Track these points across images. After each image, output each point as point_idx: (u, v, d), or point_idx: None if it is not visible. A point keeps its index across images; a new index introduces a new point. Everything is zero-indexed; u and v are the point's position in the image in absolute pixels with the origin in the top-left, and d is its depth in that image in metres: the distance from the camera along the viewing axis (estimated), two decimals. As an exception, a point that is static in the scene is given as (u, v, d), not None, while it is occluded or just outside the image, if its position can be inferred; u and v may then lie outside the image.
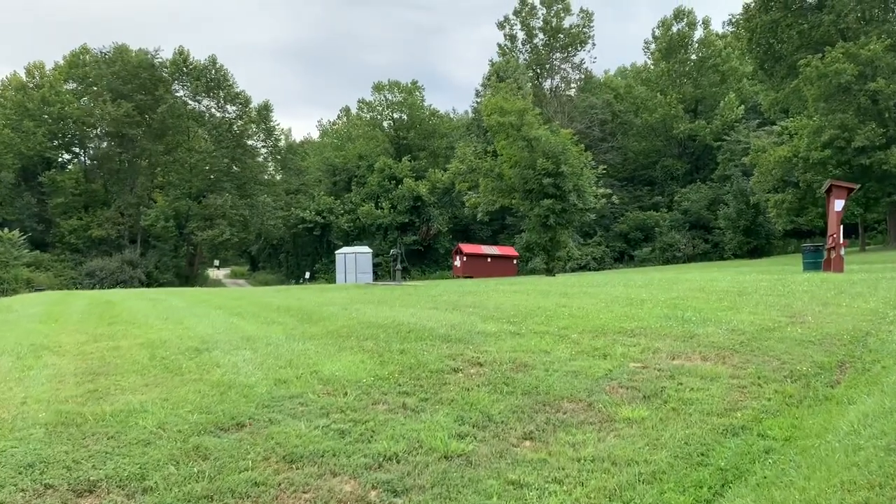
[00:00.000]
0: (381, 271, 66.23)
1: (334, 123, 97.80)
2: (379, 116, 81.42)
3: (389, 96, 79.74)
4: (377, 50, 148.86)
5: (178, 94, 69.14)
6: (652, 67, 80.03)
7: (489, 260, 56.69)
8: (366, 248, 45.19)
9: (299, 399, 6.35)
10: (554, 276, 32.14)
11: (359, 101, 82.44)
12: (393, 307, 13.41)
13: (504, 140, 32.51)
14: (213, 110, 70.00)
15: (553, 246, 32.38)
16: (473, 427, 5.85)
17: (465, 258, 57.97)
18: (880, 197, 41.17)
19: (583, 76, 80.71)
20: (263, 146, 74.57)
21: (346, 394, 6.59)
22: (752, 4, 46.48)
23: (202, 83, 67.85)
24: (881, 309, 11.47)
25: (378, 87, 79.11)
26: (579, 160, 32.15)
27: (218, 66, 68.40)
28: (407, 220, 69.29)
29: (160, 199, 67.48)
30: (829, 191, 20.16)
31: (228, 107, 70.05)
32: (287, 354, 8.35)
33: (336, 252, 45.61)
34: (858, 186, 22.30)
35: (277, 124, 73.19)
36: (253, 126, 71.88)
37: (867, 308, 11.58)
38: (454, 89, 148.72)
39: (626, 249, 66.65)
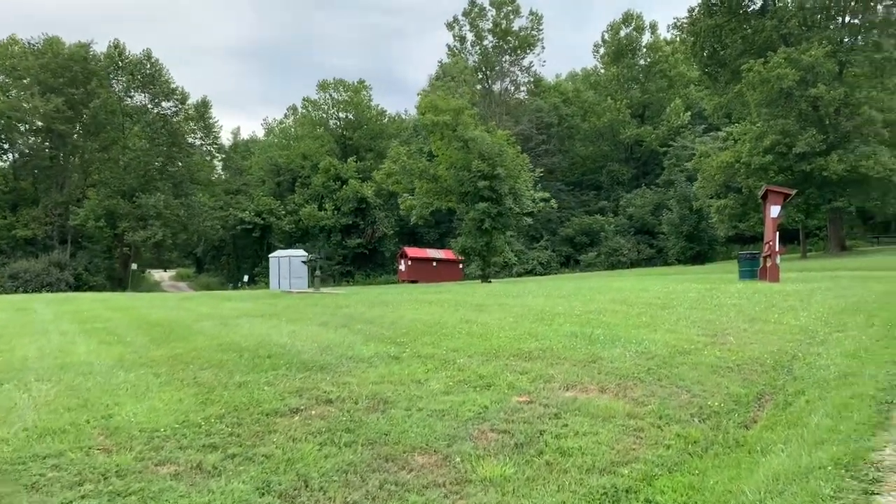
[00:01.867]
0: (323, 275, 64.42)
1: (281, 122, 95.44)
2: (324, 115, 79.40)
3: (335, 95, 77.87)
4: (339, 52, 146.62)
5: (112, 90, 66.11)
6: (602, 71, 79.93)
7: (435, 264, 55.34)
8: (301, 252, 43.38)
9: (55, 459, 4.86)
10: (490, 282, 31.00)
11: (304, 100, 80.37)
12: (278, 322, 11.97)
13: (439, 140, 31.24)
14: (148, 106, 67.05)
15: (489, 251, 31.17)
16: (278, 498, 4.46)
17: (409, 262, 56.56)
18: (821, 203, 41.08)
19: (532, 79, 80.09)
20: (202, 144, 71.84)
21: (130, 449, 5.12)
22: (697, 8, 46.20)
23: (136, 78, 64.99)
24: (811, 326, 10.47)
25: (323, 86, 77.13)
26: (516, 162, 31.02)
27: (153, 60, 65.64)
28: (351, 223, 67.47)
29: (92, 196, 64.41)
30: (765, 196, 19.36)
31: (164, 103, 67.25)
32: (93, 390, 6.83)
33: (270, 255, 43.72)
34: (795, 192, 21.59)
35: (217, 121, 70.69)
36: (191, 123, 69.18)
37: (797, 325, 10.57)
38: (410, 91, 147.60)
39: (573, 254, 66.06)
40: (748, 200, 42.77)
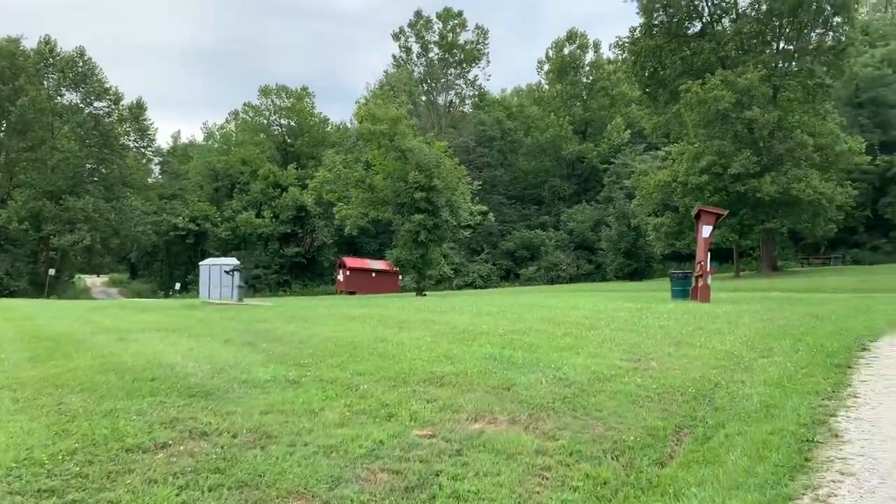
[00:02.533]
0: (259, 284, 62.80)
1: (222, 127, 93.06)
2: (266, 121, 77.75)
3: (278, 101, 76.38)
4: (286, 58, 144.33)
5: (42, 87, 63.31)
6: (546, 88, 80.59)
7: (374, 275, 54.45)
8: (233, 261, 41.90)
9: None
10: (425, 295, 30.41)
11: (244, 105, 78.52)
12: (179, 338, 11.12)
13: (376, 149, 30.60)
14: (79, 105, 64.39)
15: (424, 263, 30.58)
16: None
17: (348, 273, 55.59)
18: (754, 224, 41.86)
19: (477, 93, 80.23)
20: (136, 146, 69.36)
21: (-60, 499, 4.33)
22: (638, 29, 46.84)
23: (67, 76, 62.41)
24: (737, 351, 10.20)
25: (265, 91, 75.61)
26: (454, 174, 30.57)
27: (86, 58, 63.17)
28: (290, 231, 66.02)
29: (17, 198, 61.43)
30: (697, 216, 19.33)
31: (97, 102, 64.73)
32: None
33: (200, 264, 42.10)
34: (726, 213, 21.69)
35: (152, 123, 68.38)
36: (125, 124, 66.76)
37: (722, 350, 10.28)
38: (356, 100, 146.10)
39: (513, 268, 66.05)
40: (684, 219, 43.34)
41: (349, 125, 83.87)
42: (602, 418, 6.72)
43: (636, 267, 53.76)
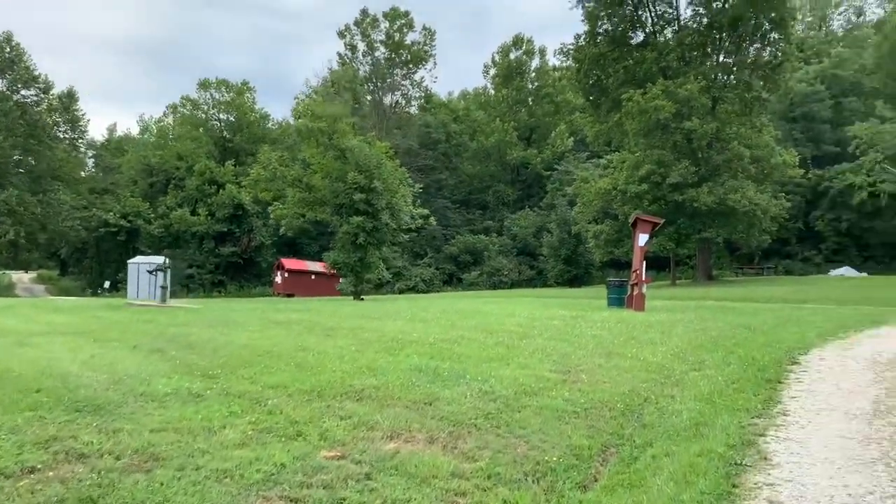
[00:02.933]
0: (193, 284, 60.94)
1: (160, 121, 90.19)
2: (204, 116, 75.56)
3: (217, 95, 74.34)
4: (229, 53, 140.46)
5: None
6: (492, 93, 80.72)
7: (313, 277, 53.33)
8: (161, 259, 40.34)
9: None
10: (362, 299, 29.78)
11: (182, 98, 76.15)
12: (83, 343, 10.35)
13: (315, 148, 29.80)
14: (5, 93, 61.29)
15: (362, 267, 29.92)
16: None
17: (286, 274, 54.37)
18: (691, 233, 42.53)
19: (423, 94, 79.82)
20: (67, 138, 66.50)
21: None
22: (583, 36, 47.15)
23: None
24: (668, 363, 10.00)
25: (204, 85, 73.47)
26: (395, 176, 30.00)
27: (14, 44, 60.26)
28: (226, 230, 64.10)
29: (-66, 189, 58.24)
30: (634, 224, 19.30)
31: (24, 91, 61.78)
32: None
33: (129, 262, 40.45)
34: (663, 221, 21.77)
35: (84, 114, 65.68)
36: (55, 115, 63.95)
37: (654, 362, 10.07)
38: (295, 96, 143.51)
39: (456, 272, 65.77)
40: (623, 227, 43.73)
41: (291, 122, 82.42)
42: (525, 436, 6.36)
43: (576, 273, 54.15)
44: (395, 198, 29.67)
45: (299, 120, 29.95)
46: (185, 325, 13.46)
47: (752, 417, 6.96)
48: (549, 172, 68.22)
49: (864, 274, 48.79)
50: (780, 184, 47.45)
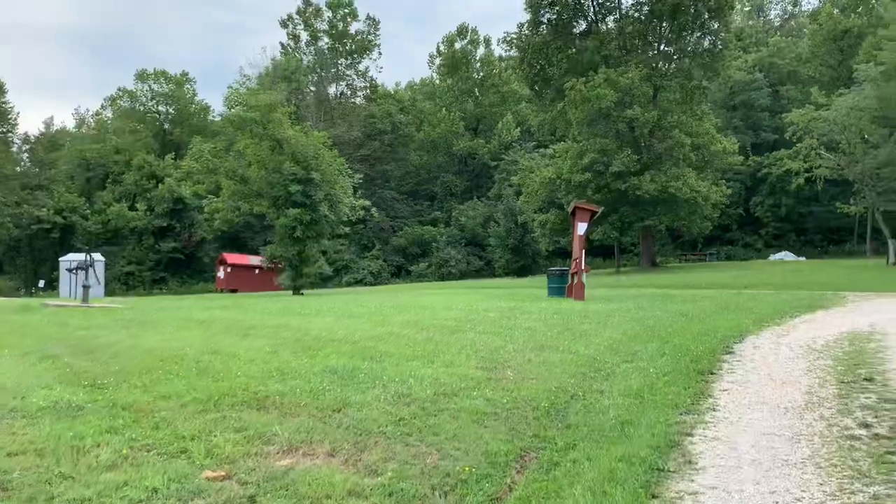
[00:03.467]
0: (133, 282, 59.00)
1: (98, 113, 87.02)
2: (142, 108, 73.07)
3: (155, 86, 71.94)
4: (176, 45, 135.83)
5: None
6: (438, 82, 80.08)
7: (257, 272, 52.11)
8: (97, 257, 38.83)
9: None
10: (302, 294, 28.94)
11: (119, 89, 73.50)
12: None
13: (249, 138, 28.77)
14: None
15: (301, 261, 29.06)
16: None
17: (229, 269, 53.04)
18: (634, 221, 42.76)
19: (368, 84, 78.69)
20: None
21: None
22: (525, 25, 46.88)
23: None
24: (599, 356, 9.63)
25: (142, 76, 71.03)
26: (333, 166, 29.14)
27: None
28: (166, 224, 62.12)
29: None
30: (573, 213, 18.99)
31: (-53, 82, 58.89)
32: None
33: (60, 259, 38.82)
34: (601, 210, 21.56)
35: (13, 107, 62.87)
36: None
37: (586, 354, 9.70)
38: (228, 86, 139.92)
39: (404, 264, 65.15)
40: (568, 216, 43.74)
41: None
42: (438, 444, 5.85)
43: (523, 263, 54.03)
44: (334, 189, 28.85)
45: (232, 109, 28.82)
46: (97, 327, 12.60)
47: (681, 414, 6.60)
48: (496, 163, 68.02)
49: (802, 258, 49.88)
50: (720, 171, 48.07)
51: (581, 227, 18.10)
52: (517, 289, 27.81)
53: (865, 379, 7.69)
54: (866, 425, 5.93)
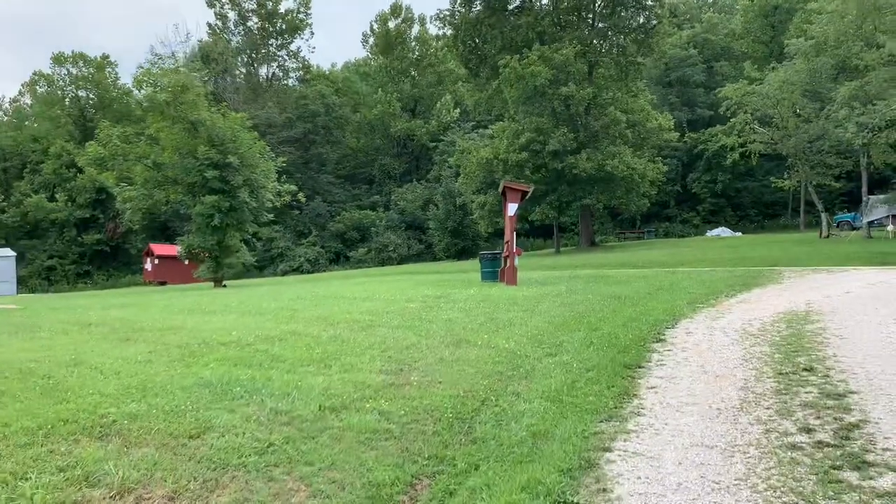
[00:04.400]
0: (54, 276, 56.04)
1: (15, 100, 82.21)
2: (60, 93, 69.23)
3: (74, 70, 68.18)
4: (101, 29, 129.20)
5: None
6: (372, 62, 78.23)
7: (186, 262, 50.01)
8: (7, 252, 36.43)
9: None
10: (224, 286, 27.43)
11: (34, 73, 69.42)
12: None
13: (161, 121, 26.96)
14: None
15: (221, 251, 27.48)
16: None
17: (157, 261, 50.87)
18: (572, 201, 42.27)
19: (300, 65, 76.37)
20: None
21: None
22: (458, 1, 45.69)
23: None
24: (521, 350, 8.73)
25: (59, 59, 67.15)
26: (254, 149, 27.55)
27: None
28: (89, 216, 59.05)
29: None
30: (503, 194, 18.08)
31: None
32: None
33: (-30, 256, 36.36)
34: (532, 189, 20.70)
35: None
36: None
37: (506, 349, 8.78)
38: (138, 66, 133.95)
39: (343, 250, 63.54)
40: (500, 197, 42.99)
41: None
42: (310, 476, 4.83)
43: (463, 246, 53.12)
44: (255, 173, 27.28)
45: (142, 91, 26.93)
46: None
47: (601, 421, 5.72)
48: (435, 144, 66.85)
49: (739, 234, 50.41)
50: (657, 148, 47.94)
51: (511, 208, 17.20)
52: (451, 273, 26.85)
53: (805, 369, 6.97)
54: (808, 430, 5.15)
